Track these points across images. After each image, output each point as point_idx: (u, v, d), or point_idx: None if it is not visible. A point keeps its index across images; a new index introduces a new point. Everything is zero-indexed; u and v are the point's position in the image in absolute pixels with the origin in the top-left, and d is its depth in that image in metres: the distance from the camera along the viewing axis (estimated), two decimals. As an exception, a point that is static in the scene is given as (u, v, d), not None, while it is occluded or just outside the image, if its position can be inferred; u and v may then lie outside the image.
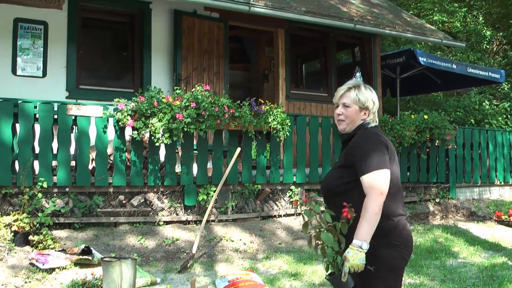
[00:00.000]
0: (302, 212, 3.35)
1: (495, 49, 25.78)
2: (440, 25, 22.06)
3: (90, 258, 6.82)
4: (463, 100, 19.00)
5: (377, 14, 13.26)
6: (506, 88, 21.20)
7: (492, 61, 23.11)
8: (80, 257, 6.78)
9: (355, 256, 3.12)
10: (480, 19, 22.98)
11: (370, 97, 3.62)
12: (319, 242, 3.26)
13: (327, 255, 3.21)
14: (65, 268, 6.67)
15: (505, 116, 18.85)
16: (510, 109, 19.33)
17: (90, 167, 8.16)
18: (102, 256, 6.73)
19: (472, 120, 17.55)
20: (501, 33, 25.00)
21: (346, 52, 17.32)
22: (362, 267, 3.14)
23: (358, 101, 3.58)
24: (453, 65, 13.96)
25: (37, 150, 7.82)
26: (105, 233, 7.96)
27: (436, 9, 22.48)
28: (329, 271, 3.32)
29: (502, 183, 13.76)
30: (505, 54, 24.81)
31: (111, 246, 7.61)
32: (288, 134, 9.47)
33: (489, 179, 13.45)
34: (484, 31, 22.28)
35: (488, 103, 19.08)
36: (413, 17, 16.28)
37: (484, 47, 22.55)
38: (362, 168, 3.33)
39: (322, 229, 3.23)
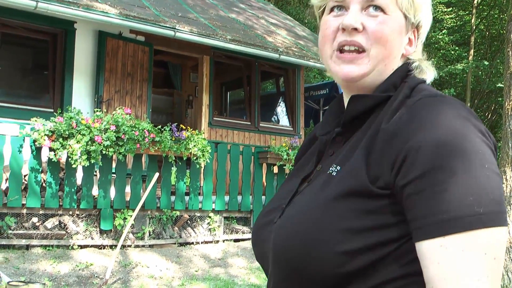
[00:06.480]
0: None
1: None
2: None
3: (-3, 281, 6.60)
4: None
5: (303, 46, 13.50)
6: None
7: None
8: (-13, 280, 6.56)
9: None
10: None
11: None
12: None
13: None
14: (-30, 291, 6.44)
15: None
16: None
17: (4, 187, 7.91)
18: (10, 280, 6.51)
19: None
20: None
21: (271, 82, 17.51)
22: None
23: (411, 2, 1.24)
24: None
25: None
26: (16, 256, 7.70)
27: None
28: None
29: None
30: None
31: (21, 270, 7.36)
32: (208, 161, 9.47)
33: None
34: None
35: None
36: (337, 51, 16.64)
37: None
38: (436, 217, 1.01)
39: None
